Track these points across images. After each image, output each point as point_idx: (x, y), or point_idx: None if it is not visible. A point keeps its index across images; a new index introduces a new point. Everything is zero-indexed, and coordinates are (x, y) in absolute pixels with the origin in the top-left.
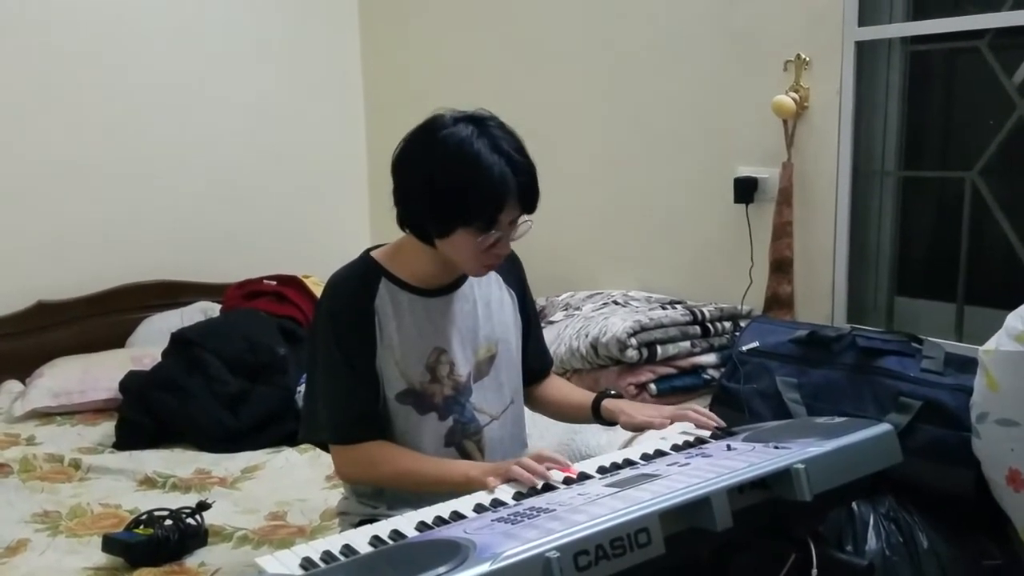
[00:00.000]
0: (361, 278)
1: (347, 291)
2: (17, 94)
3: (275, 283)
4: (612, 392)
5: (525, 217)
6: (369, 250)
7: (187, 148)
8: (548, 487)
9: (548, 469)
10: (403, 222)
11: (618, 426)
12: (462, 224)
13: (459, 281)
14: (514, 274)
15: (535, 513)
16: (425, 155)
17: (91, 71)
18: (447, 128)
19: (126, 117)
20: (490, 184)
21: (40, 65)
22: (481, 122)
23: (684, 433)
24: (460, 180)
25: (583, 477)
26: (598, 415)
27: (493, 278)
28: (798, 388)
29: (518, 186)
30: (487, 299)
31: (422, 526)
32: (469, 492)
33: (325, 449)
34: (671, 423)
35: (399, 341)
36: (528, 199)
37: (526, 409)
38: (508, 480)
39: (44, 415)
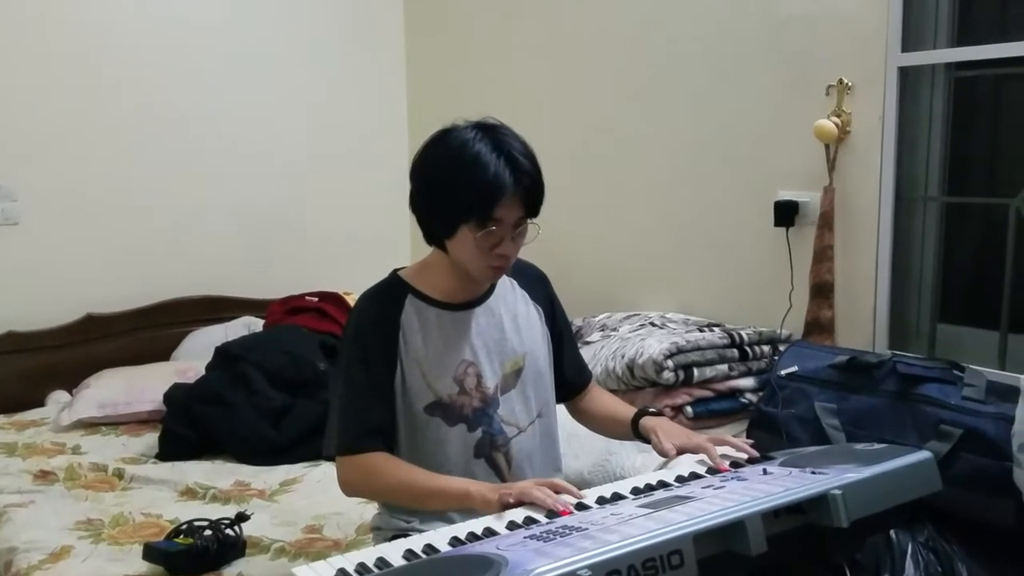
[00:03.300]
0: (387, 296)
1: (373, 308)
2: (67, 115)
3: (316, 299)
4: (652, 410)
5: (532, 221)
6: (397, 270)
7: (234, 170)
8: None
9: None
10: (425, 234)
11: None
12: (461, 221)
13: (485, 295)
14: (541, 291)
15: (567, 531)
16: (429, 157)
17: (138, 91)
18: (454, 132)
19: (174, 137)
20: (485, 180)
21: (88, 85)
22: (489, 127)
23: (701, 462)
24: (457, 177)
25: (617, 497)
26: (637, 432)
27: (520, 294)
28: (837, 414)
29: (517, 185)
30: (513, 314)
31: (455, 541)
32: (467, 509)
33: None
34: (676, 455)
35: (425, 354)
36: (530, 200)
37: (564, 427)
38: (522, 501)
39: (90, 425)
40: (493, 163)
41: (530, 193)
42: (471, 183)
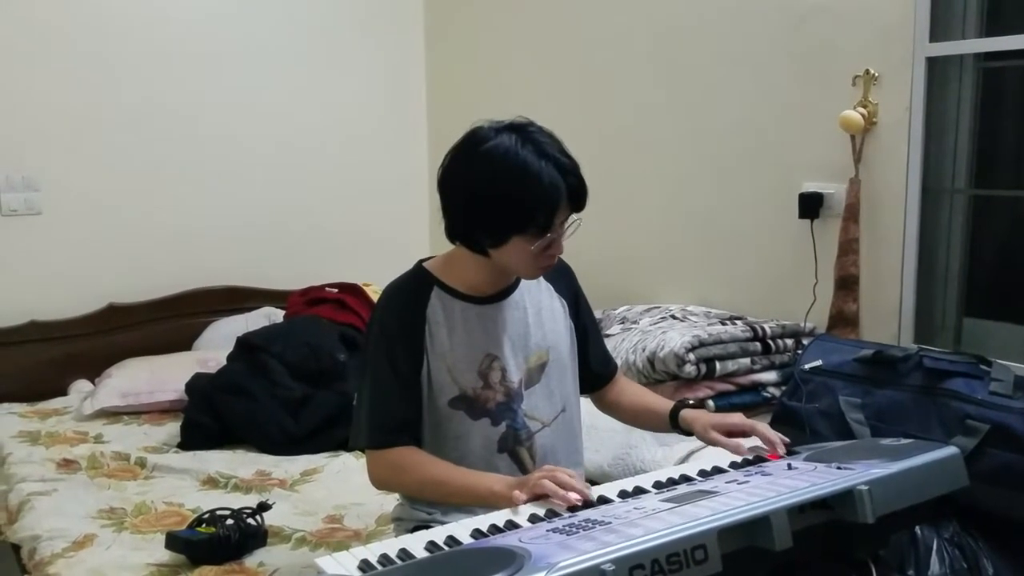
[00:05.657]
0: (413, 288)
1: (398, 301)
2: (89, 108)
3: (336, 291)
4: (691, 402)
5: (574, 216)
6: (422, 261)
7: (255, 161)
8: (588, 503)
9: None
10: (453, 235)
11: (678, 441)
12: (517, 232)
13: (510, 288)
14: (565, 283)
15: (591, 525)
16: (471, 169)
17: (160, 84)
18: (490, 140)
19: (199, 131)
20: (542, 191)
21: (109, 78)
22: (522, 129)
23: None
24: (512, 191)
25: (639, 491)
26: (675, 424)
27: (544, 287)
28: (862, 408)
29: (567, 187)
30: (538, 307)
31: (477, 534)
32: (493, 507)
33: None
34: (745, 448)
35: (451, 348)
36: (578, 198)
37: (584, 421)
38: (536, 496)
39: (112, 414)
40: (544, 171)
41: (577, 191)
42: (527, 197)
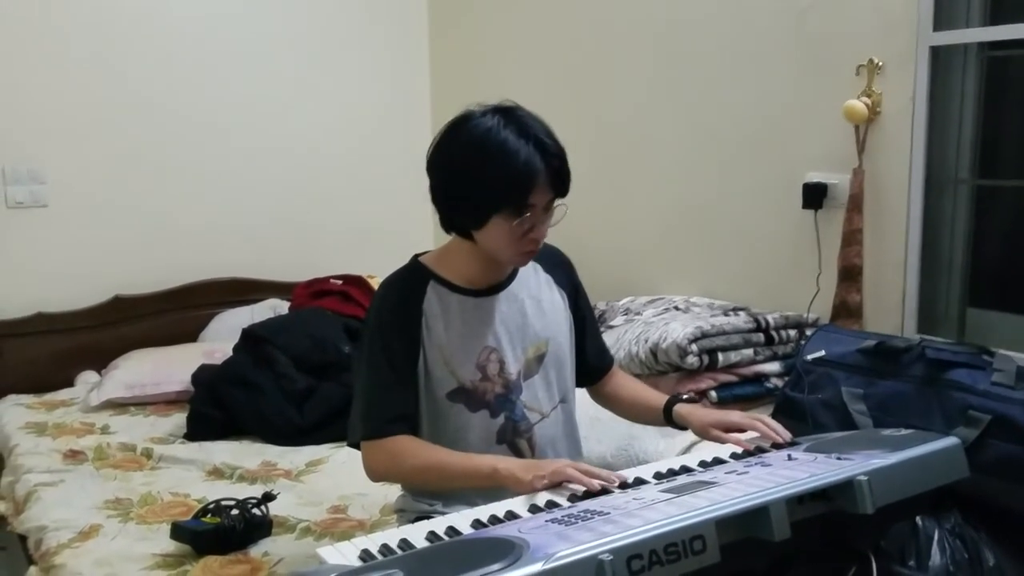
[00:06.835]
0: (408, 282)
1: (394, 296)
2: (96, 100)
3: (341, 283)
4: (684, 396)
5: (559, 202)
6: (418, 255)
7: (259, 153)
8: (600, 492)
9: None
10: (445, 223)
11: (680, 432)
12: (494, 211)
13: (507, 280)
14: (565, 275)
15: (589, 515)
16: (453, 149)
17: (165, 77)
18: (473, 120)
19: (203, 122)
20: (517, 168)
21: (116, 70)
22: (507, 111)
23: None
24: (488, 168)
25: (639, 482)
26: (669, 418)
27: (544, 279)
28: (864, 399)
29: (547, 169)
30: (537, 298)
31: (477, 524)
32: (496, 486)
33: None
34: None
35: (447, 341)
36: (559, 182)
37: (587, 412)
38: (556, 482)
39: (118, 405)
40: (522, 149)
41: (559, 175)
42: (503, 173)
